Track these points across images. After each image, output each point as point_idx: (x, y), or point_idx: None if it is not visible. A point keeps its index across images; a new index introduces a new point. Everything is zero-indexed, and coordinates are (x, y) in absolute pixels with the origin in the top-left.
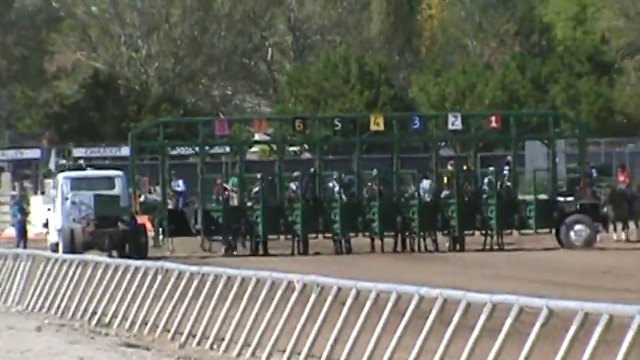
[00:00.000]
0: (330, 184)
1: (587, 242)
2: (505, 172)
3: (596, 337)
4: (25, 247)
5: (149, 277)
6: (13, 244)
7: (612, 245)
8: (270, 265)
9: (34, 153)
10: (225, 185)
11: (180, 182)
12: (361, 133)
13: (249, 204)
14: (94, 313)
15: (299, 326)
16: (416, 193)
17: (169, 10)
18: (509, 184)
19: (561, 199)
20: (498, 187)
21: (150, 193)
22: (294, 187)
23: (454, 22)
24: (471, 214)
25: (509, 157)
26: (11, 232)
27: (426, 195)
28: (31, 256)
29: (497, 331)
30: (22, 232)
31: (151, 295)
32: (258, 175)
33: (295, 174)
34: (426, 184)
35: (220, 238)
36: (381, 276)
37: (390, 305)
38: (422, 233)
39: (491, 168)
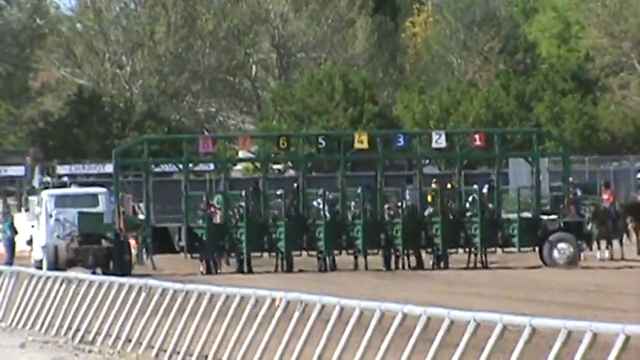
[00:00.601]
0: (315, 203)
1: (571, 260)
2: (484, 190)
3: (579, 356)
4: (11, 264)
5: (133, 294)
6: (4, 260)
7: (596, 264)
8: (254, 283)
9: (17, 170)
10: (212, 203)
11: None
12: (345, 151)
13: (233, 221)
14: (78, 329)
15: (283, 343)
16: (400, 210)
17: (154, 28)
18: (486, 203)
19: (545, 217)
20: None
21: (135, 212)
22: (280, 201)
23: (438, 40)
24: (455, 232)
25: (492, 177)
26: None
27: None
28: (14, 272)
29: (480, 349)
30: (12, 249)
31: (135, 312)
32: (243, 193)
33: (279, 192)
34: (410, 193)
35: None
36: (365, 293)
37: (373, 323)
38: (406, 251)
39: (474, 186)
